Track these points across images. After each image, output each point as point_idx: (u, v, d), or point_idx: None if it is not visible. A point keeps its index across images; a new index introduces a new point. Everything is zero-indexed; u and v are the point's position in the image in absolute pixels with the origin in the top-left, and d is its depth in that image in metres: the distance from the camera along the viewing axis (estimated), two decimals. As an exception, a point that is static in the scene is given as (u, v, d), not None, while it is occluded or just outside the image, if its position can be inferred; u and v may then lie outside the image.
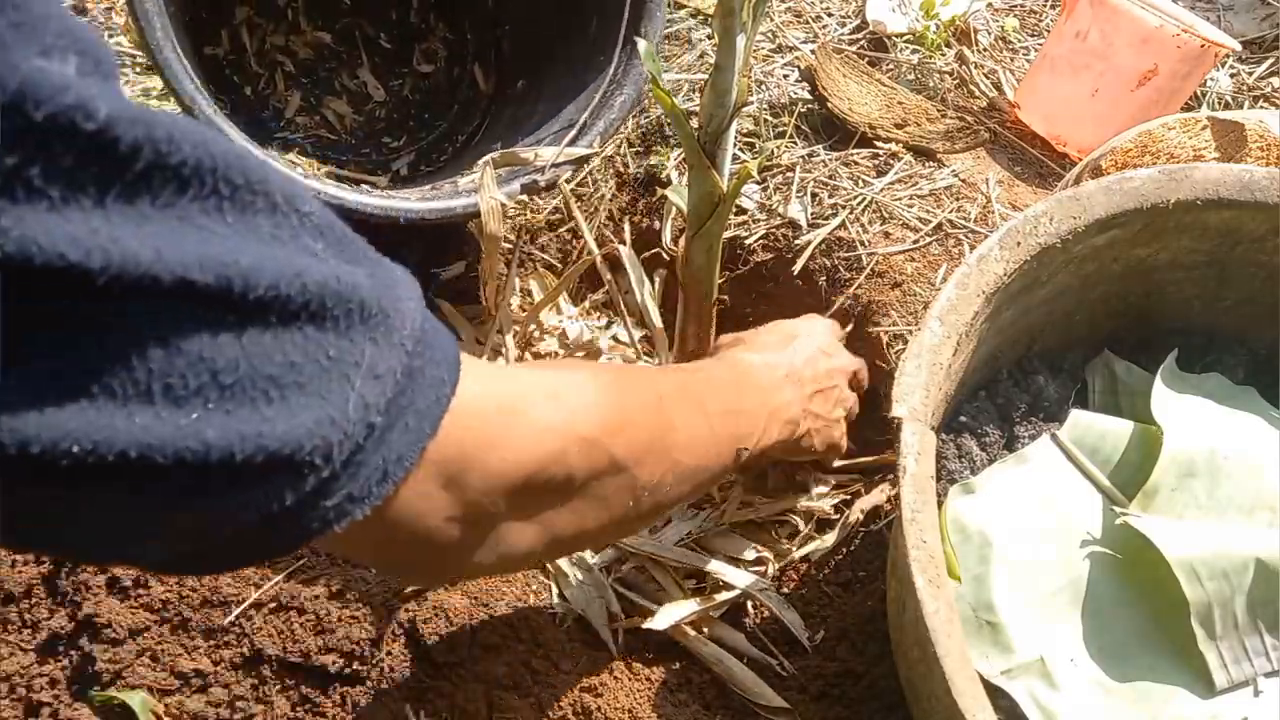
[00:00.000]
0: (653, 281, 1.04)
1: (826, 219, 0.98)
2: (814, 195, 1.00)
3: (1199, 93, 1.16)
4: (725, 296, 0.98)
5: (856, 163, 1.03)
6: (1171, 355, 0.74)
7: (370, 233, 0.36)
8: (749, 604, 0.80)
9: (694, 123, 0.70)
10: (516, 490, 0.42)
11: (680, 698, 0.74)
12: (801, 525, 0.84)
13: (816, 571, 0.82)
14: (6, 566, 0.73)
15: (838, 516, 0.83)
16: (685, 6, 1.23)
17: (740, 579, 0.79)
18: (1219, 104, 1.16)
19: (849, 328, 0.91)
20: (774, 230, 1.00)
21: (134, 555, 0.32)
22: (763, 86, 1.12)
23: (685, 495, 0.57)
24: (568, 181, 1.02)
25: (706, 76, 0.67)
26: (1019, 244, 0.65)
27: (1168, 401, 0.71)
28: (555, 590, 0.79)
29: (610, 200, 1.08)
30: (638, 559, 0.81)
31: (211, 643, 0.71)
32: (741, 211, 1.01)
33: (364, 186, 1.03)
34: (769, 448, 0.64)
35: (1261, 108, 1.14)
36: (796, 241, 0.98)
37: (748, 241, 1.00)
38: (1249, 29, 1.25)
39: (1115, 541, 0.67)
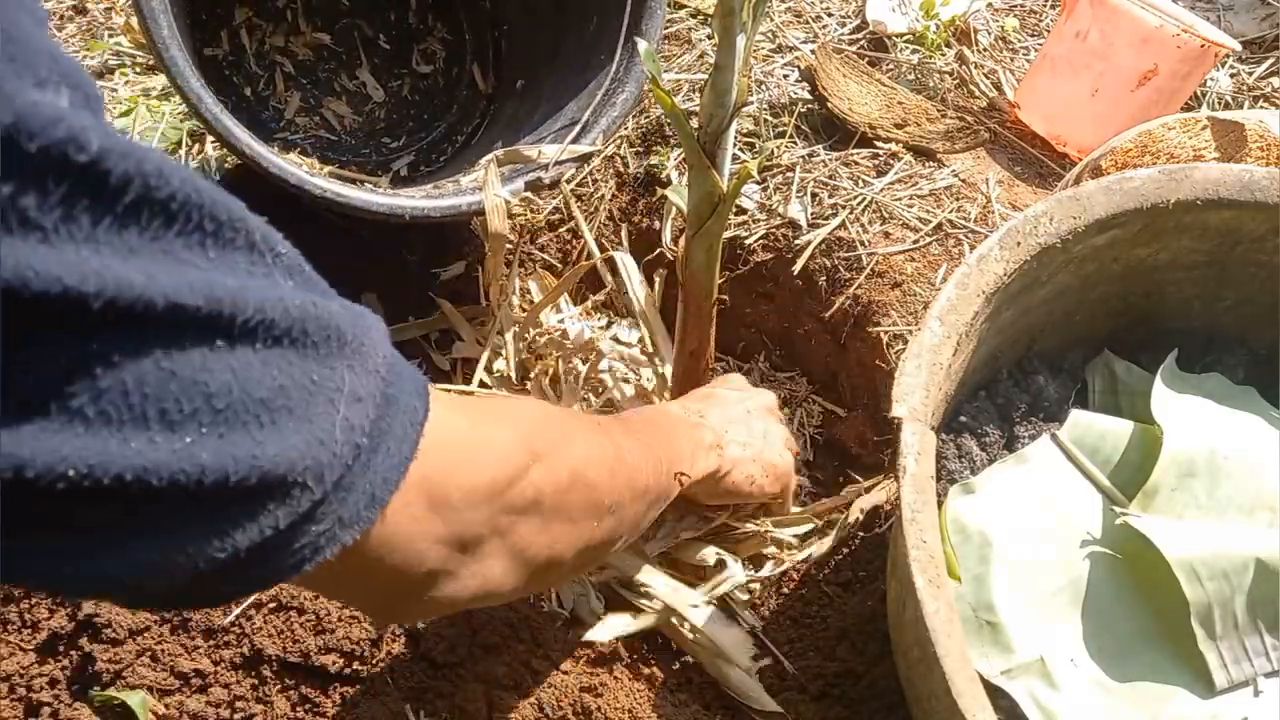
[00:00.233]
0: (652, 282, 1.04)
1: (826, 219, 0.98)
2: (814, 195, 1.00)
3: (1199, 93, 1.16)
4: (725, 296, 0.98)
5: (856, 163, 1.03)
6: (1171, 355, 0.74)
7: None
8: (749, 603, 0.80)
9: (694, 123, 0.70)
10: (493, 507, 0.44)
11: (680, 698, 0.75)
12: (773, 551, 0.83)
13: (816, 571, 0.82)
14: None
15: (807, 543, 0.83)
16: (685, 6, 1.23)
17: (670, 595, 0.78)
18: (1219, 104, 1.16)
19: (849, 327, 0.91)
20: (774, 230, 1.00)
21: (126, 585, 0.32)
22: (763, 86, 1.12)
23: (640, 515, 0.60)
24: (568, 181, 1.03)
25: (706, 76, 0.67)
26: (1019, 244, 0.65)
27: (1168, 401, 0.71)
28: (555, 591, 0.79)
29: (610, 200, 1.08)
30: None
31: (211, 643, 0.71)
32: (741, 211, 1.01)
33: (366, 186, 1.03)
34: (706, 478, 0.70)
35: (1261, 108, 1.14)
36: (796, 241, 0.98)
37: (748, 241, 1.00)
38: (1249, 29, 1.25)
39: (1115, 541, 0.67)
